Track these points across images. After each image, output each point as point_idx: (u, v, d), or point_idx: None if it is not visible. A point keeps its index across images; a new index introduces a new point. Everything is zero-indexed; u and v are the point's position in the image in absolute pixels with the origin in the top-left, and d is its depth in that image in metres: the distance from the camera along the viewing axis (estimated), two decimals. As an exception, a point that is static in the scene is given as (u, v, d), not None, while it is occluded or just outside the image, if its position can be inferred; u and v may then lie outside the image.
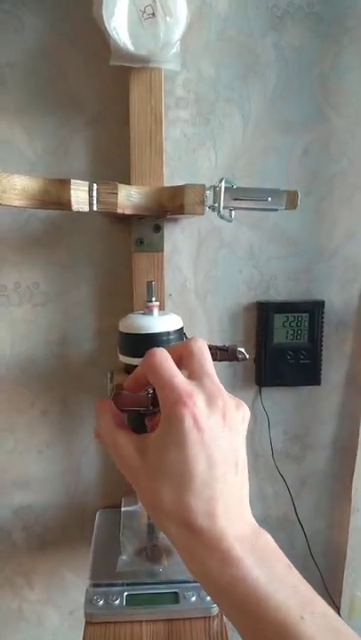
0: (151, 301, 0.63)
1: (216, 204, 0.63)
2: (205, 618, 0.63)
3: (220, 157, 0.77)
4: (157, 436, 0.38)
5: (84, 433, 0.84)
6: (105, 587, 0.65)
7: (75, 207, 0.58)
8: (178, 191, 0.63)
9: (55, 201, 0.58)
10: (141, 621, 0.62)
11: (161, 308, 0.66)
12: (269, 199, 0.64)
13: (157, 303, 0.63)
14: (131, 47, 0.63)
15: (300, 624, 0.31)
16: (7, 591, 0.91)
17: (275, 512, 0.90)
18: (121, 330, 0.63)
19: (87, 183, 0.60)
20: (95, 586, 0.65)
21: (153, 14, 0.62)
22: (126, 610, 0.63)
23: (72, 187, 0.58)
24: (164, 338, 0.60)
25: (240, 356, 0.67)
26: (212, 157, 0.77)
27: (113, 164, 0.75)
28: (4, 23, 0.71)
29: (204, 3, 0.72)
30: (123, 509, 0.76)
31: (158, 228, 0.73)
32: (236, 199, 0.64)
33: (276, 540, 0.36)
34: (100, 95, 0.74)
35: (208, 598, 0.63)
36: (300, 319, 0.82)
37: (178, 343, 0.44)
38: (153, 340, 0.60)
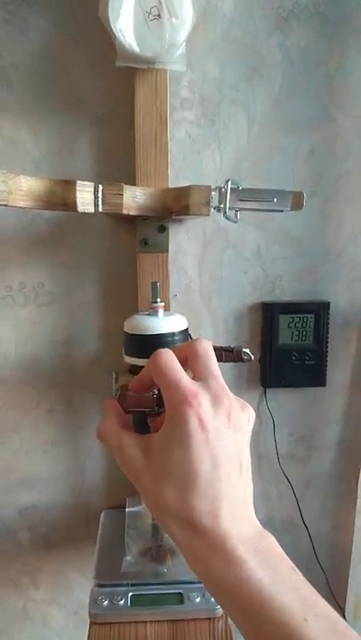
0: (156, 302, 0.63)
1: (221, 205, 0.63)
2: (210, 619, 0.63)
3: (226, 158, 0.77)
4: (162, 435, 0.38)
5: (89, 432, 0.85)
6: (110, 587, 0.65)
7: (80, 208, 0.58)
8: (183, 192, 0.63)
9: (61, 202, 0.58)
10: (146, 622, 0.62)
11: (166, 308, 0.66)
12: (275, 200, 0.64)
13: (162, 304, 0.63)
14: (136, 48, 0.63)
15: (303, 626, 0.31)
16: (12, 591, 0.91)
17: (279, 514, 0.90)
18: (126, 330, 0.63)
19: (93, 184, 0.60)
20: (100, 586, 0.65)
21: (159, 15, 0.62)
22: (131, 610, 0.63)
23: (78, 188, 0.58)
24: (169, 339, 0.60)
25: (245, 357, 0.67)
26: (217, 158, 0.77)
27: (118, 164, 0.75)
28: (10, 24, 0.71)
29: (209, 4, 0.72)
30: (127, 510, 0.77)
31: (163, 229, 0.73)
32: (241, 200, 0.64)
33: (280, 542, 0.36)
34: (105, 96, 0.74)
35: (213, 599, 0.63)
36: (305, 320, 0.81)
37: (183, 344, 0.44)
38: (158, 341, 0.60)
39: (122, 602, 0.63)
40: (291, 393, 0.86)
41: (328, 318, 0.81)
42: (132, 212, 0.64)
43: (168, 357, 0.39)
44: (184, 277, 0.81)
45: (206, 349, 0.41)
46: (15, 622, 0.93)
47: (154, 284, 0.63)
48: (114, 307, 0.80)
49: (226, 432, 0.37)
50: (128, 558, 0.67)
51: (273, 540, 0.37)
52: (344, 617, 0.72)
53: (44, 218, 0.76)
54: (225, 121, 0.76)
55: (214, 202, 0.64)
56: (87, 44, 0.72)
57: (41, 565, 0.90)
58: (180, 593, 0.64)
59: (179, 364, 0.39)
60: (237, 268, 0.81)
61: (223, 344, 0.75)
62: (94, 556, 0.71)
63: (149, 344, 0.60)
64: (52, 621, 0.94)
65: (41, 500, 0.87)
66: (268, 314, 0.81)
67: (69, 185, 0.58)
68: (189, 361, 0.41)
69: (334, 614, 0.33)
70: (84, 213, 0.60)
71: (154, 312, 0.62)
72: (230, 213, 0.63)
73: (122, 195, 0.61)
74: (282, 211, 0.64)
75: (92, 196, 0.60)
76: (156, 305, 0.62)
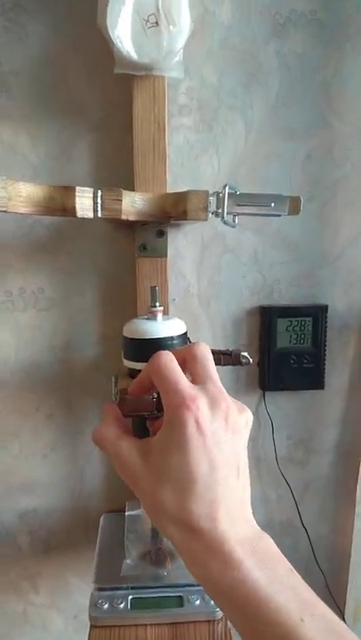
0: (155, 306, 0.63)
1: (219, 210, 0.64)
2: (210, 621, 0.63)
3: (223, 164, 0.77)
4: (160, 439, 0.38)
5: (88, 437, 0.85)
6: (109, 590, 0.65)
7: (79, 214, 0.59)
8: (181, 197, 0.64)
9: (60, 208, 0.59)
10: (146, 625, 0.63)
11: (165, 313, 0.66)
12: (272, 205, 0.64)
13: (161, 308, 0.63)
14: (134, 56, 0.63)
15: (299, 626, 0.31)
16: (12, 595, 0.91)
17: (278, 517, 0.90)
18: (125, 335, 0.63)
19: (92, 190, 0.60)
20: (100, 589, 0.65)
21: (156, 23, 0.62)
22: (131, 613, 0.63)
23: (77, 194, 0.58)
24: (168, 343, 0.61)
25: (244, 361, 0.67)
26: (214, 164, 0.77)
27: (116, 170, 0.76)
28: (9, 31, 0.72)
29: (207, 11, 0.73)
30: (127, 513, 0.77)
31: (162, 234, 0.74)
32: (239, 205, 0.64)
33: (279, 545, 0.37)
34: (103, 102, 0.74)
35: (212, 602, 0.63)
36: (303, 323, 0.82)
37: (181, 347, 0.45)
38: (157, 345, 0.60)
39: (122, 605, 0.63)
40: (289, 396, 0.86)
41: (326, 322, 0.82)
42: (131, 218, 0.64)
43: (168, 359, 0.40)
44: (183, 282, 0.81)
45: (204, 352, 0.42)
46: (15, 626, 0.93)
47: (153, 289, 0.64)
48: (113, 311, 0.80)
49: (223, 435, 0.37)
50: (128, 561, 0.68)
51: (270, 541, 0.37)
52: (343, 619, 0.72)
53: (44, 223, 0.77)
54: (223, 127, 0.77)
55: (212, 207, 0.64)
56: (86, 50, 0.73)
57: (41, 570, 0.90)
58: (179, 596, 0.64)
59: (178, 367, 0.39)
60: (235, 273, 0.81)
61: (222, 348, 0.75)
62: (94, 560, 0.72)
63: (148, 348, 0.61)
64: (51, 626, 0.94)
65: (41, 505, 0.87)
66: (267, 318, 0.81)
67: (68, 191, 0.58)
68: (188, 364, 0.41)
69: (331, 615, 0.34)
70: (83, 219, 0.60)
71: (153, 316, 0.63)
72: (228, 218, 0.64)
73: (121, 200, 0.61)
74: (279, 215, 0.65)
75: (91, 202, 0.60)
76: (154, 309, 0.63)
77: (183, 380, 0.38)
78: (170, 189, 0.72)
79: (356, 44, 0.75)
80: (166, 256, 0.75)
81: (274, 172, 0.78)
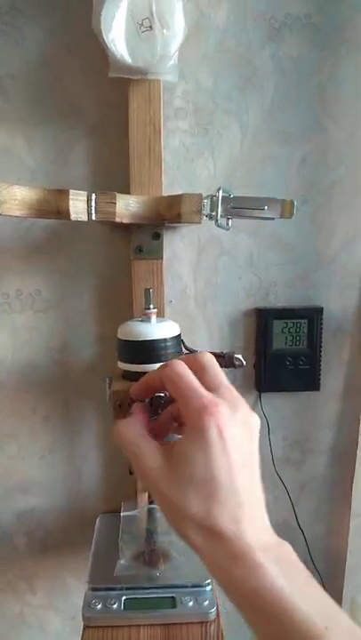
0: (149, 308, 0.64)
1: (213, 213, 0.64)
2: (202, 622, 0.63)
3: (219, 167, 0.78)
4: (181, 444, 0.38)
5: (85, 438, 0.85)
6: (103, 591, 0.65)
7: (73, 217, 0.59)
8: (175, 200, 0.64)
9: (54, 211, 0.59)
10: (139, 625, 0.63)
11: (161, 314, 0.67)
12: (266, 208, 0.64)
13: (155, 310, 0.64)
14: (128, 59, 0.64)
15: (325, 635, 0.32)
16: (9, 596, 0.92)
17: (275, 517, 0.89)
18: (119, 337, 0.63)
19: (86, 193, 0.61)
20: (93, 590, 0.66)
21: (150, 27, 0.63)
22: (124, 614, 0.63)
23: (71, 197, 0.59)
24: (162, 345, 0.61)
25: (237, 363, 0.68)
26: (210, 167, 0.78)
27: (112, 172, 0.76)
28: (6, 34, 0.72)
29: (202, 15, 0.74)
30: (122, 514, 0.77)
31: (158, 236, 0.74)
32: (232, 208, 0.65)
33: None
34: (99, 105, 0.75)
35: (205, 603, 0.64)
36: (298, 325, 0.82)
37: (186, 356, 0.45)
38: (151, 347, 0.61)
39: (115, 605, 0.63)
40: (285, 397, 0.87)
41: (321, 324, 0.82)
42: (126, 220, 0.65)
43: (183, 367, 0.40)
44: (179, 284, 0.82)
45: (212, 361, 0.42)
46: (12, 628, 0.94)
47: (147, 291, 0.64)
48: (109, 313, 0.81)
49: (242, 440, 0.38)
50: (122, 562, 0.68)
51: (290, 548, 0.37)
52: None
53: (41, 226, 0.77)
54: (218, 130, 0.77)
55: (206, 210, 0.65)
56: (82, 53, 0.73)
57: (38, 570, 0.91)
58: (172, 597, 0.64)
59: (193, 375, 0.40)
60: (232, 275, 0.82)
61: (218, 350, 0.76)
62: (89, 560, 0.72)
63: (142, 350, 0.61)
64: (48, 626, 0.95)
65: (38, 505, 0.88)
66: (263, 319, 0.81)
67: (63, 194, 0.59)
68: (197, 374, 0.42)
69: (352, 623, 0.34)
70: (80, 221, 0.61)
71: (147, 318, 0.63)
72: (222, 221, 0.64)
73: (115, 203, 0.62)
74: (273, 218, 0.65)
75: (85, 205, 0.61)
76: (148, 311, 0.63)
77: (201, 387, 0.39)
78: (166, 192, 0.72)
79: (351, 48, 0.76)
80: (162, 258, 0.75)
81: (269, 176, 0.79)
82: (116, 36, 0.63)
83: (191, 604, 0.64)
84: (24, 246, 0.78)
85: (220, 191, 0.63)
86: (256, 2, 0.74)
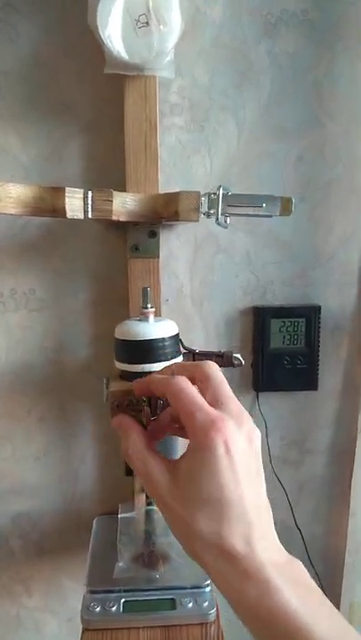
0: (147, 308, 0.63)
1: (211, 211, 0.64)
2: (202, 624, 0.62)
3: (215, 164, 0.77)
4: (188, 462, 0.38)
5: (80, 440, 0.84)
6: (102, 593, 0.64)
7: (69, 215, 0.58)
8: (172, 198, 0.63)
9: (50, 208, 0.59)
10: (138, 628, 0.62)
11: (157, 313, 0.66)
12: (264, 205, 0.64)
13: (153, 309, 0.63)
14: (125, 56, 0.63)
15: None
16: (5, 599, 0.91)
17: (273, 517, 0.89)
18: (117, 336, 0.63)
19: (82, 191, 0.60)
20: (92, 592, 0.65)
21: (147, 23, 0.62)
22: (123, 616, 0.62)
23: (67, 194, 0.58)
24: (160, 344, 0.60)
25: (236, 362, 0.67)
26: (207, 164, 0.77)
27: (107, 170, 0.75)
28: None
29: (198, 10, 0.73)
30: (120, 516, 0.76)
31: (154, 234, 0.73)
32: (230, 205, 0.64)
33: None
34: (94, 102, 0.74)
35: (205, 604, 0.63)
36: (296, 324, 0.82)
37: (189, 364, 0.45)
38: (149, 347, 0.60)
39: (114, 608, 0.63)
40: (283, 397, 0.86)
41: (319, 322, 0.82)
42: (122, 218, 0.64)
43: (186, 383, 0.40)
44: (175, 282, 0.81)
45: (217, 372, 0.42)
46: (9, 631, 0.93)
47: (144, 290, 0.63)
48: (105, 312, 0.80)
49: (248, 456, 0.38)
50: (120, 564, 0.67)
51: (301, 566, 0.37)
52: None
53: (36, 224, 0.76)
54: (215, 127, 0.76)
55: (204, 207, 0.64)
56: (76, 50, 0.72)
57: (33, 573, 0.90)
58: (172, 599, 0.64)
59: (196, 390, 0.39)
60: (228, 273, 0.81)
61: (215, 348, 0.75)
62: (86, 563, 0.71)
63: (140, 350, 0.60)
64: (45, 629, 0.94)
65: (33, 508, 0.87)
66: (260, 318, 0.81)
67: (58, 191, 0.58)
68: (201, 385, 0.41)
69: None
70: (75, 219, 0.60)
71: (144, 318, 0.62)
72: (220, 219, 0.64)
73: (111, 201, 0.61)
74: (271, 216, 0.64)
75: (81, 203, 0.60)
76: (146, 310, 0.63)
77: (205, 403, 0.38)
78: (162, 190, 0.71)
79: (347, 44, 0.75)
80: (158, 257, 0.74)
81: (266, 173, 0.78)
82: (113, 32, 0.62)
83: (191, 605, 0.63)
84: (18, 244, 0.77)
85: (221, 189, 0.62)
86: (252, -3, 0.73)
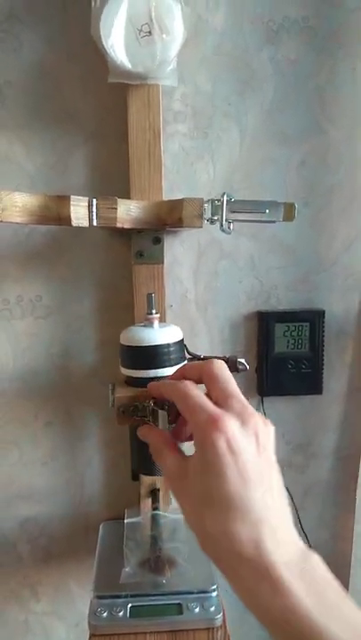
0: (151, 313, 0.63)
1: (215, 218, 0.64)
2: (209, 629, 0.62)
3: (219, 170, 0.78)
4: (194, 461, 0.38)
5: (87, 444, 0.85)
6: (109, 598, 0.65)
7: (74, 223, 0.59)
8: (176, 205, 0.64)
9: (55, 217, 0.59)
10: (145, 633, 0.62)
11: (161, 319, 0.66)
12: (267, 211, 0.64)
13: (158, 315, 0.63)
14: (128, 65, 0.64)
15: None
16: (13, 604, 0.91)
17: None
18: (122, 342, 0.63)
19: (87, 199, 0.61)
20: (99, 597, 0.65)
21: (150, 32, 0.63)
22: (130, 621, 0.63)
23: (72, 202, 0.59)
24: (165, 350, 0.61)
25: (240, 367, 0.67)
26: (210, 170, 0.78)
27: (112, 177, 0.76)
28: (3, 42, 0.72)
29: (200, 19, 0.74)
30: (126, 521, 0.77)
31: (158, 241, 0.74)
32: (234, 212, 0.64)
33: None
34: (97, 110, 0.75)
35: (212, 609, 0.63)
36: (300, 328, 0.82)
37: (196, 364, 0.45)
38: (154, 352, 0.60)
39: (121, 613, 0.63)
40: (288, 401, 0.86)
41: (323, 326, 0.82)
42: (127, 225, 0.64)
43: (191, 385, 0.40)
44: (180, 288, 0.81)
45: (222, 369, 0.42)
46: (17, 636, 0.93)
47: (149, 296, 0.64)
48: (110, 318, 0.80)
49: (255, 452, 0.37)
50: (127, 569, 0.68)
51: (317, 559, 0.36)
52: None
53: (41, 232, 0.77)
54: (218, 133, 0.77)
55: (207, 214, 0.65)
56: (80, 60, 0.73)
57: (41, 578, 0.90)
58: (179, 603, 0.64)
59: (201, 392, 0.40)
60: (232, 278, 0.82)
61: (219, 354, 0.75)
62: (93, 568, 0.71)
63: (145, 355, 0.61)
64: (53, 634, 0.94)
65: (40, 512, 0.87)
66: (264, 323, 0.81)
67: (63, 200, 0.59)
68: (207, 384, 0.41)
69: None
70: (80, 227, 0.61)
71: (149, 323, 0.63)
72: (224, 225, 0.64)
73: (116, 209, 0.62)
74: (274, 222, 0.65)
75: (86, 211, 0.60)
76: (151, 316, 0.63)
77: (209, 403, 0.38)
78: (166, 196, 0.72)
79: (348, 51, 0.76)
80: (163, 263, 0.75)
81: (269, 178, 0.79)
82: (116, 41, 0.63)
83: (197, 610, 0.63)
84: (24, 252, 0.78)
85: (225, 196, 0.63)
86: (253, 5, 0.74)
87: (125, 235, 0.76)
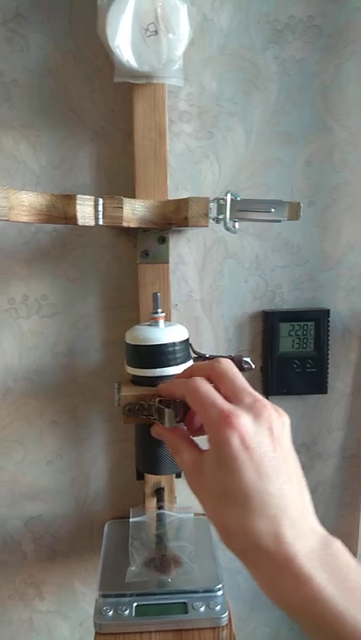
0: (157, 313, 0.63)
1: (220, 217, 0.64)
2: (215, 628, 0.62)
3: (224, 170, 0.78)
4: (209, 457, 0.38)
5: (93, 443, 0.85)
6: (114, 597, 0.65)
7: (80, 222, 0.59)
8: (182, 204, 0.64)
9: (62, 216, 0.59)
10: (151, 632, 0.62)
11: (167, 318, 0.67)
12: (273, 210, 0.64)
13: (163, 314, 0.64)
14: (134, 64, 0.64)
15: None
16: (18, 602, 0.91)
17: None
18: (127, 341, 0.63)
19: (93, 198, 0.61)
20: (104, 596, 0.65)
21: (156, 32, 0.63)
22: (135, 620, 0.63)
23: (78, 202, 0.59)
24: (170, 349, 0.61)
25: (246, 366, 0.67)
26: (215, 170, 0.78)
27: (117, 177, 0.76)
28: (10, 41, 0.72)
29: (205, 18, 0.74)
30: (131, 520, 0.77)
31: (163, 240, 0.74)
32: (239, 211, 0.64)
33: None
34: (103, 110, 0.75)
35: (217, 608, 0.63)
36: (305, 328, 0.82)
37: (203, 364, 0.45)
38: (159, 352, 0.61)
39: (126, 612, 0.63)
40: (293, 400, 0.86)
41: (328, 326, 0.82)
42: (132, 225, 0.65)
43: (202, 382, 0.41)
44: (185, 287, 0.81)
45: (229, 367, 0.42)
46: (21, 634, 0.93)
47: (154, 295, 0.64)
48: (115, 317, 0.80)
49: (270, 445, 0.37)
50: (132, 568, 0.68)
51: (339, 545, 0.36)
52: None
53: (47, 231, 0.77)
54: (223, 133, 0.77)
55: (213, 213, 0.65)
56: (86, 59, 0.73)
57: (46, 577, 0.90)
58: (184, 602, 0.64)
59: (213, 389, 0.40)
60: (237, 277, 0.82)
61: (224, 353, 0.75)
62: (98, 567, 0.72)
63: (151, 354, 0.61)
64: (57, 633, 0.94)
65: (45, 511, 0.87)
66: (269, 322, 0.81)
67: (70, 199, 0.59)
68: (216, 382, 0.41)
69: None
70: (86, 226, 0.61)
71: (155, 323, 0.63)
72: (229, 224, 0.64)
73: (122, 208, 0.62)
74: (280, 221, 0.65)
75: (92, 210, 0.61)
76: (156, 315, 0.63)
77: (220, 399, 0.38)
78: (171, 196, 0.72)
79: (354, 50, 0.76)
80: (168, 262, 0.75)
81: (274, 178, 0.79)
82: (122, 41, 0.63)
83: (203, 609, 0.63)
84: (30, 251, 0.78)
85: (229, 194, 0.63)
86: (259, 5, 0.74)
87: (131, 234, 0.76)
